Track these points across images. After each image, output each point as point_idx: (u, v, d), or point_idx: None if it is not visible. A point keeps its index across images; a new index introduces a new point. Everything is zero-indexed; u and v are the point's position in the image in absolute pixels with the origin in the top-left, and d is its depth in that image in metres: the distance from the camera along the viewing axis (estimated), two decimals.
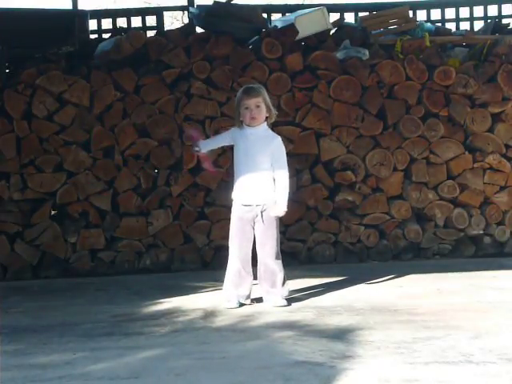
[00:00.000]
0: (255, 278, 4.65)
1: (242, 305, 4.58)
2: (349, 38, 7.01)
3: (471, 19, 8.51)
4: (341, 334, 3.71)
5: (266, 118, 4.60)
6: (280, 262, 4.61)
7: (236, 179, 4.62)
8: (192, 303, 4.80)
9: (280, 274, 4.59)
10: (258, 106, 4.52)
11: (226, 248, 6.55)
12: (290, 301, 4.61)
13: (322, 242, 6.67)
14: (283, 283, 4.60)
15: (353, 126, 6.68)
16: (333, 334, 3.72)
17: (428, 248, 6.81)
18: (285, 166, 4.55)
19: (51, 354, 3.54)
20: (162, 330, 4.00)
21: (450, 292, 4.96)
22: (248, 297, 4.63)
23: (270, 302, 4.57)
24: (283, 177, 4.53)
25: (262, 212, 4.53)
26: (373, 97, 6.72)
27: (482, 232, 6.85)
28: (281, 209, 4.51)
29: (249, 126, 4.57)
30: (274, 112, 4.63)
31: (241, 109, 4.56)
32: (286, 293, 4.62)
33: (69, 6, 7.84)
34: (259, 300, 4.66)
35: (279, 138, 4.63)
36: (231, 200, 4.73)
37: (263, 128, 4.61)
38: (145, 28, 8.10)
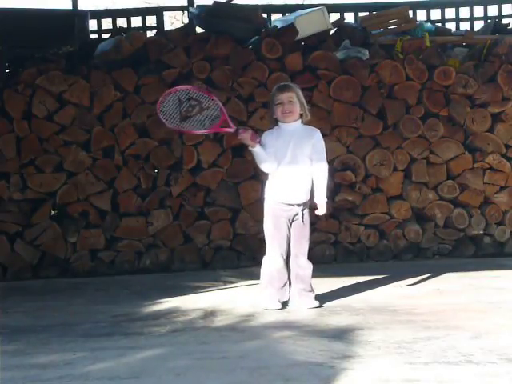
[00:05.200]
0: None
1: (283, 305, 4.49)
2: (349, 38, 7.01)
3: (471, 19, 8.53)
4: (341, 334, 3.71)
5: (301, 115, 4.49)
6: (310, 268, 4.53)
7: (274, 178, 4.47)
8: (192, 303, 4.80)
9: (311, 273, 4.53)
10: (290, 101, 4.43)
11: (226, 248, 6.60)
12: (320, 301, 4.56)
13: (322, 242, 6.67)
14: (312, 289, 4.55)
15: (353, 125, 6.68)
16: (333, 334, 3.72)
17: (428, 248, 6.81)
18: (325, 159, 4.48)
19: (51, 354, 3.54)
20: (162, 330, 4.00)
21: (450, 292, 4.96)
22: (286, 297, 4.51)
23: (302, 304, 4.47)
24: (324, 170, 4.46)
25: (302, 211, 4.46)
26: (373, 97, 6.72)
27: (482, 232, 6.85)
28: (324, 207, 4.46)
29: (283, 122, 4.45)
30: (307, 111, 4.52)
31: (274, 105, 4.45)
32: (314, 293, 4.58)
33: (69, 5, 7.85)
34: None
35: (319, 131, 4.54)
36: (263, 199, 4.59)
37: (299, 125, 4.50)
38: (145, 28, 8.12)
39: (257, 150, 4.42)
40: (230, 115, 6.40)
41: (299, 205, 4.45)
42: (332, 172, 6.61)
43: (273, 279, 4.46)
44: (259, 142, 4.41)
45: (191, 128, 4.52)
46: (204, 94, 4.54)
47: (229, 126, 4.45)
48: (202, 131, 4.63)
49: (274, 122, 4.54)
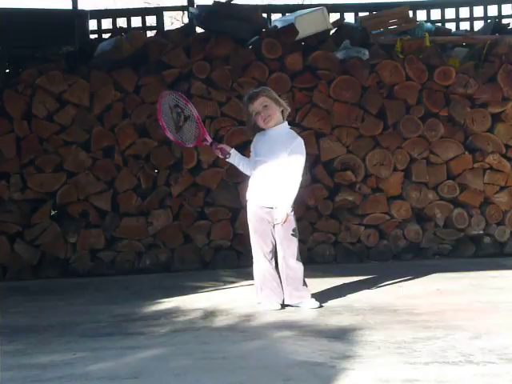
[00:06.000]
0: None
1: (282, 305, 4.49)
2: (349, 38, 7.01)
3: (471, 19, 8.53)
4: (341, 334, 3.71)
5: (282, 112, 4.49)
6: (300, 262, 4.51)
7: (254, 180, 4.53)
8: (192, 303, 4.80)
9: (302, 274, 4.51)
10: (265, 106, 4.44)
11: (226, 248, 6.60)
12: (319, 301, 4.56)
13: (322, 242, 6.67)
14: (305, 283, 4.53)
15: (353, 126, 6.67)
16: (333, 334, 3.72)
17: (428, 248, 6.81)
18: (298, 170, 4.42)
19: (51, 353, 3.54)
20: (162, 330, 4.00)
21: (450, 292, 4.96)
22: (281, 297, 4.52)
23: (301, 305, 4.47)
24: (293, 179, 4.41)
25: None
26: (373, 97, 6.71)
27: (482, 232, 6.84)
28: (282, 215, 4.37)
29: (268, 128, 4.48)
30: (286, 105, 4.52)
31: (252, 117, 4.48)
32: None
33: (69, 5, 7.84)
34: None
35: (299, 139, 4.50)
36: (245, 200, 4.63)
37: (284, 128, 4.52)
38: (145, 28, 8.11)
39: (230, 160, 4.64)
40: (228, 115, 6.58)
41: (277, 207, 4.43)
42: (332, 172, 6.67)
43: (265, 280, 4.49)
44: (230, 154, 4.58)
45: (183, 141, 4.64)
46: (182, 100, 4.60)
47: (206, 140, 4.55)
48: (190, 145, 4.74)
49: (259, 130, 4.55)
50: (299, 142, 4.49)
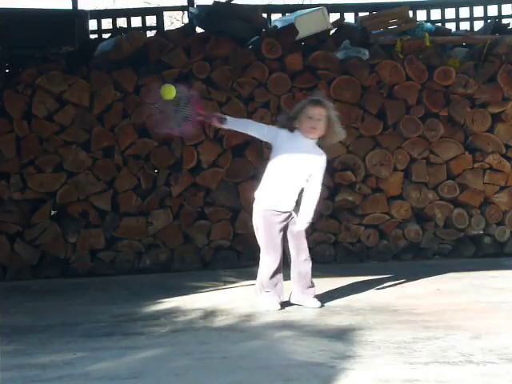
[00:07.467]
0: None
1: (282, 306, 4.51)
2: (349, 38, 7.01)
3: (471, 19, 8.52)
4: (341, 334, 3.71)
5: (323, 136, 4.47)
6: (310, 263, 4.55)
7: (269, 181, 4.51)
8: (192, 303, 4.80)
9: (311, 272, 4.55)
10: (319, 119, 4.41)
11: (226, 248, 6.60)
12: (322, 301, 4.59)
13: (322, 242, 6.67)
14: (312, 282, 4.58)
15: (353, 126, 6.67)
16: (333, 334, 3.72)
17: (428, 248, 6.81)
18: (320, 184, 4.47)
19: (51, 353, 3.55)
20: (162, 330, 4.00)
21: (450, 292, 4.96)
22: (281, 298, 4.55)
23: (305, 302, 4.52)
24: (315, 192, 4.45)
25: (291, 218, 4.47)
26: (373, 97, 6.71)
27: (482, 232, 6.84)
28: (303, 224, 4.44)
29: (304, 136, 4.44)
30: (338, 134, 4.54)
31: (302, 115, 4.42)
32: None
33: (69, 5, 7.84)
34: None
35: (325, 157, 4.51)
36: (253, 199, 4.62)
37: (313, 142, 4.48)
38: (145, 28, 8.11)
39: (229, 126, 4.63)
40: (228, 115, 6.55)
41: (287, 212, 4.47)
42: (332, 172, 6.66)
43: (269, 282, 4.49)
44: (225, 119, 4.59)
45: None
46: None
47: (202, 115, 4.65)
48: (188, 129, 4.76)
49: (292, 128, 4.48)
50: (325, 161, 4.50)
